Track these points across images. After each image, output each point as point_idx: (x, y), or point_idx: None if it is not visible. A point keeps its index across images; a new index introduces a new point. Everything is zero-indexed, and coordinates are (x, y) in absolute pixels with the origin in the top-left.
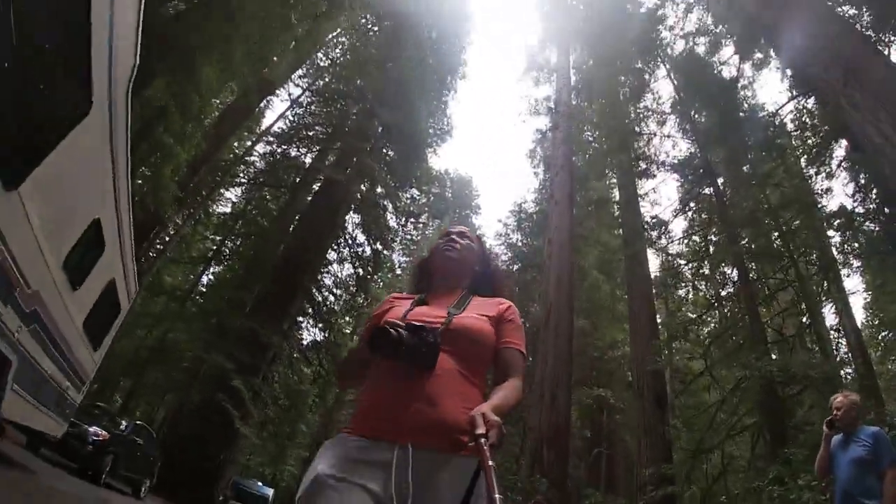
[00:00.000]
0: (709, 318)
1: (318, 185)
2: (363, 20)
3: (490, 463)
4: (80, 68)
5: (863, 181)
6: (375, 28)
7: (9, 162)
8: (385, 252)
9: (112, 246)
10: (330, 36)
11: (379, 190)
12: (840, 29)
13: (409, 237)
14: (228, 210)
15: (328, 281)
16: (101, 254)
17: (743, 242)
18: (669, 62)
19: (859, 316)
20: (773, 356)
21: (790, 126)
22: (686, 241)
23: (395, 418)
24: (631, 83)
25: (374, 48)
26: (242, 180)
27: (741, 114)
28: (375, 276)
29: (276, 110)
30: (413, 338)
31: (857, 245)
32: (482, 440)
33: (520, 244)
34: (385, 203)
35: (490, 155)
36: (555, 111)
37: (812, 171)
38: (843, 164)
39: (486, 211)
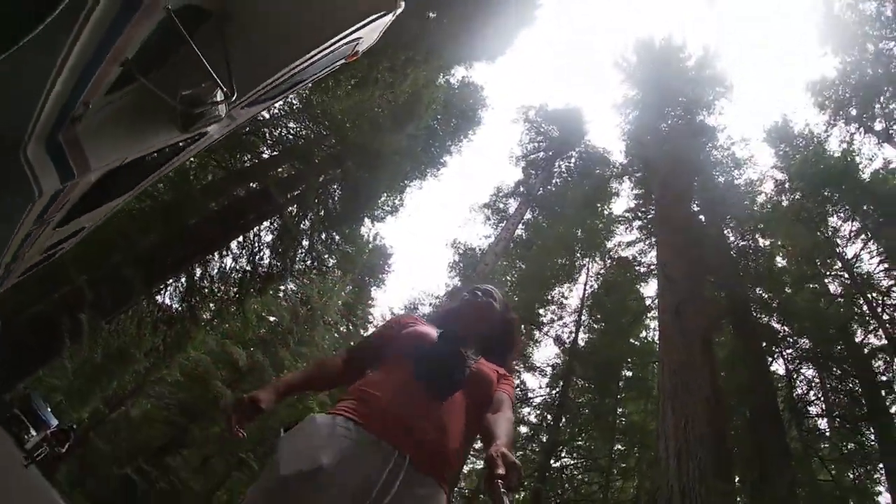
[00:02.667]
0: None
1: (258, 184)
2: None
3: None
4: None
5: None
6: (391, 98)
7: None
8: (278, 279)
9: None
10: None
11: (305, 224)
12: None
13: (306, 276)
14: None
15: (213, 270)
16: None
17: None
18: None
19: None
20: None
21: None
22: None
23: (406, 429)
24: (562, 265)
25: (379, 108)
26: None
27: (634, 342)
28: (255, 295)
29: None
30: (456, 359)
31: None
32: (499, 482)
33: None
34: (303, 239)
35: (419, 243)
36: (477, 265)
37: None
38: None
39: (391, 290)
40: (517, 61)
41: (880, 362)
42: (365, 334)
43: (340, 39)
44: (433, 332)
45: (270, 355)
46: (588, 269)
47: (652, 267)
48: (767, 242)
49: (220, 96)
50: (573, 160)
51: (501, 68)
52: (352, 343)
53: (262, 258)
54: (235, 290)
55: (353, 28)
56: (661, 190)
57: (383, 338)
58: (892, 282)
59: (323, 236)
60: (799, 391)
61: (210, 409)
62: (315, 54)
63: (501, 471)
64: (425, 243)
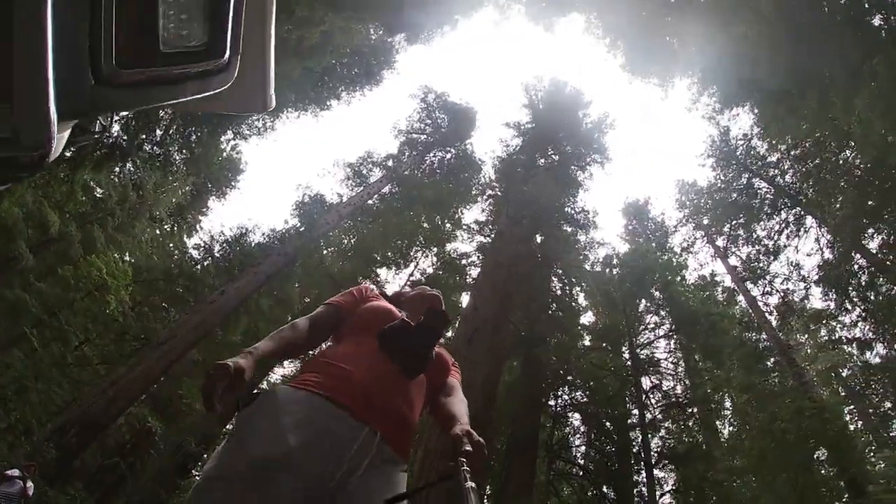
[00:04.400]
0: None
1: None
2: None
3: (469, 484)
4: None
5: None
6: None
7: None
8: (120, 158)
9: None
10: None
11: (166, 111)
12: None
13: (149, 164)
14: None
15: None
16: None
17: None
18: (423, 266)
19: None
20: None
21: None
22: None
23: (377, 404)
24: (397, 248)
25: (287, 32)
26: None
27: None
28: (90, 165)
29: None
30: (432, 342)
31: None
32: (462, 461)
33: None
34: (157, 126)
35: (274, 173)
36: (318, 220)
37: None
38: None
39: (230, 206)
40: (441, 45)
41: (636, 435)
42: (326, 301)
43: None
44: (397, 311)
45: (85, 232)
46: (419, 262)
47: (472, 282)
48: (584, 301)
49: None
50: (449, 156)
51: (424, 48)
52: (315, 311)
53: (110, 129)
54: (73, 151)
55: (220, 111)
56: (508, 222)
57: (348, 307)
58: (662, 378)
59: (181, 129)
60: (564, 432)
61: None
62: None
63: (469, 448)
64: (279, 176)
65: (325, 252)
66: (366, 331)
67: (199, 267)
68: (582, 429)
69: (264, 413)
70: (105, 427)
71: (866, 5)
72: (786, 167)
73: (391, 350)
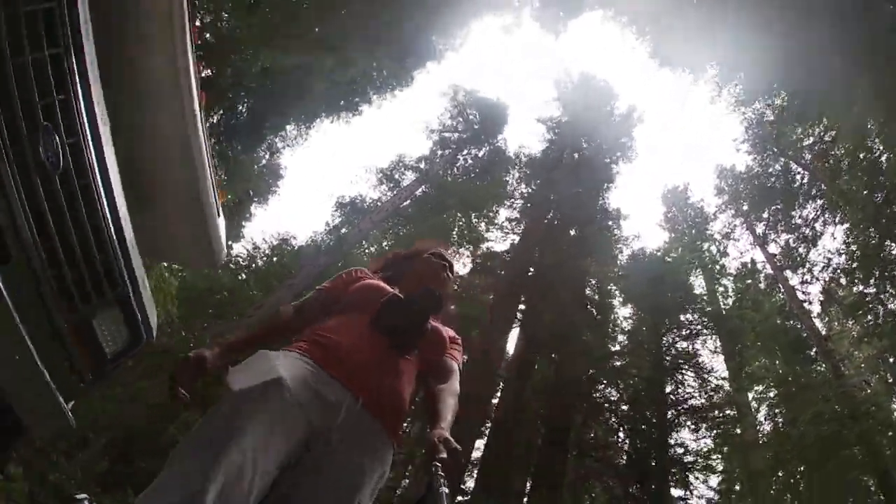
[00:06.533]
0: None
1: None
2: None
3: (443, 490)
4: None
5: None
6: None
7: None
8: None
9: None
10: None
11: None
12: None
13: None
14: None
15: None
16: None
17: None
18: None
19: None
20: None
21: None
22: None
23: (363, 373)
24: None
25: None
26: None
27: None
28: None
29: None
30: (423, 317)
31: None
32: (436, 464)
33: None
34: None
35: (307, 182)
36: (348, 229)
37: None
38: None
39: (272, 213)
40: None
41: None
42: (316, 287)
43: None
44: (388, 287)
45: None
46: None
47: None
48: (619, 298)
49: None
50: (482, 152)
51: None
52: (300, 298)
53: None
54: None
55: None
56: (533, 221)
57: (336, 290)
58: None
59: (221, 139)
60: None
61: None
62: None
63: (443, 455)
64: (312, 185)
65: (363, 251)
66: (357, 309)
67: (242, 276)
68: (616, 427)
69: (253, 362)
70: None
71: None
72: (818, 150)
73: (381, 324)
